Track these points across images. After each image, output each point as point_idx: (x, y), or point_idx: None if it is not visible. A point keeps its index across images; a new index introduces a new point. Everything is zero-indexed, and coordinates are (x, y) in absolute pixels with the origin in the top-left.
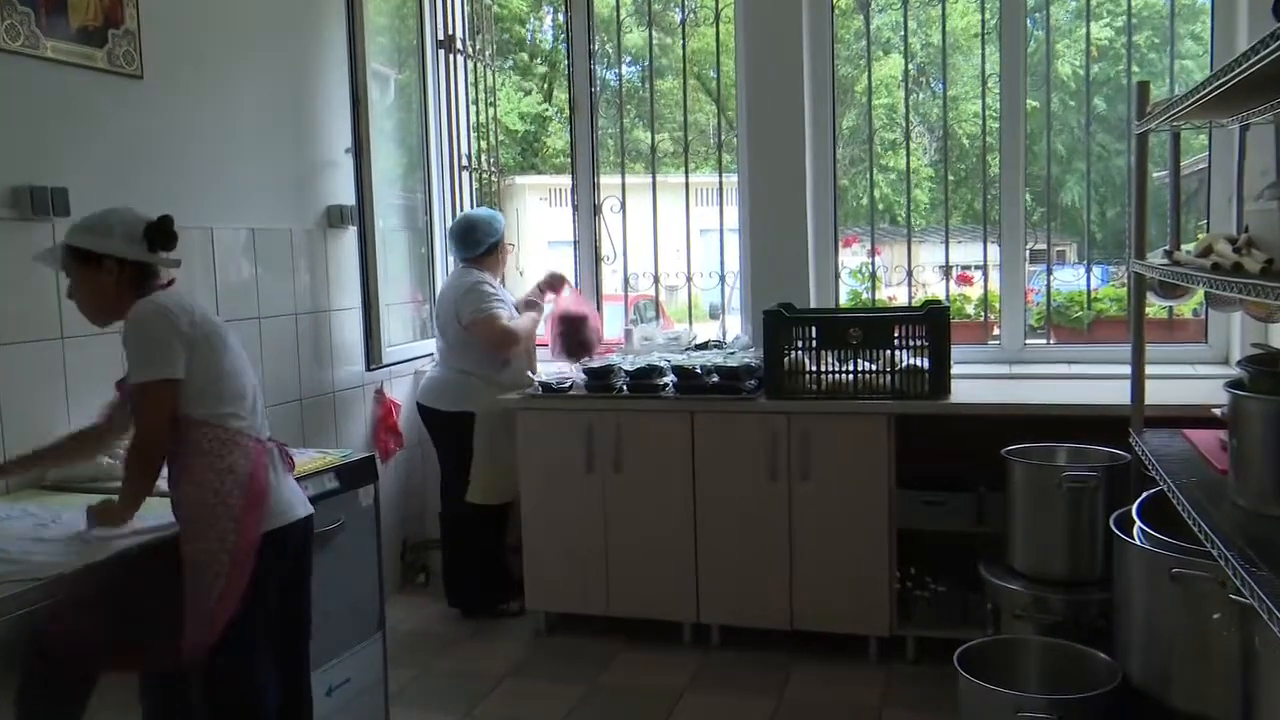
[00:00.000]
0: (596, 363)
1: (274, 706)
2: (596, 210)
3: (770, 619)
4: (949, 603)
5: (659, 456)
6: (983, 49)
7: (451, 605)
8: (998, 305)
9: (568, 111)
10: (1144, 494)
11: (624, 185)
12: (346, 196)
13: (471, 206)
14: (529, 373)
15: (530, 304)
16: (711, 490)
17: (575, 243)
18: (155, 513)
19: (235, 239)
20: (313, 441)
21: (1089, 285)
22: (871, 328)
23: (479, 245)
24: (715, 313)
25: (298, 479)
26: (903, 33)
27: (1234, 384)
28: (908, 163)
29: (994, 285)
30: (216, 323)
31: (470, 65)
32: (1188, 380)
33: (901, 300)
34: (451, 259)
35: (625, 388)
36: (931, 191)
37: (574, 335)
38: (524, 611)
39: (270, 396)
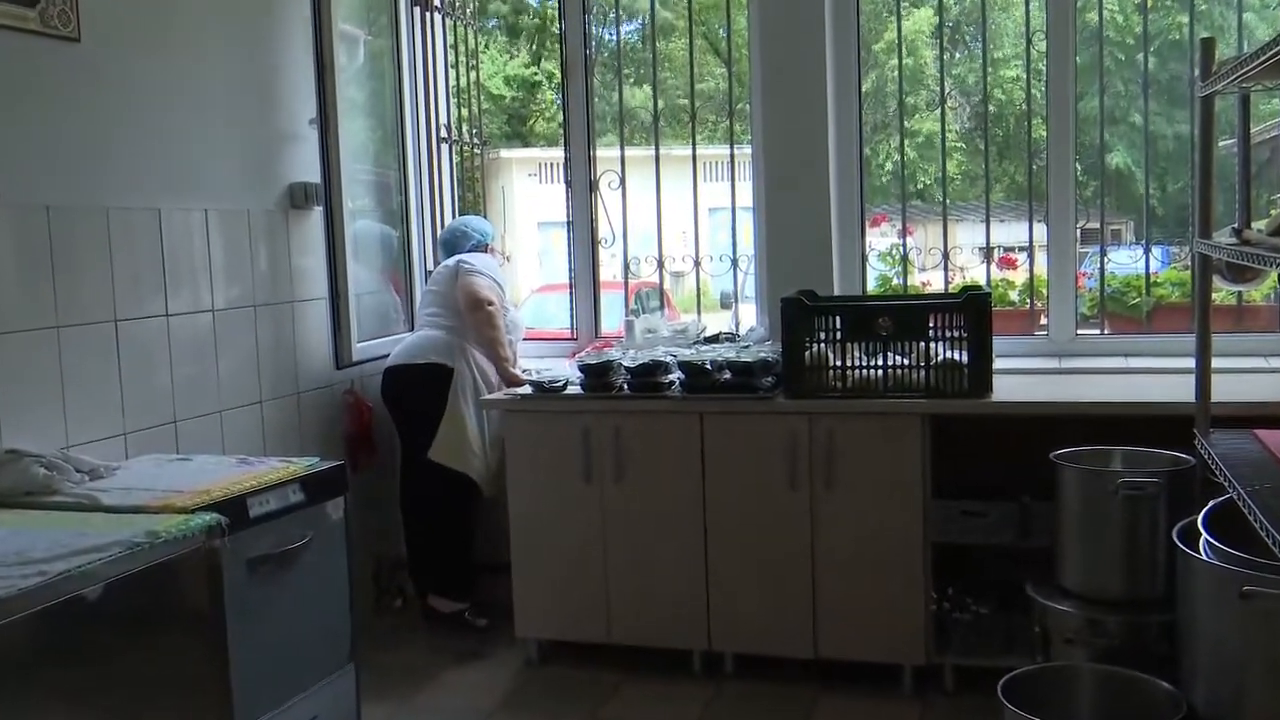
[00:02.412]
0: (594, 359)
1: None
2: (592, 187)
3: (791, 646)
4: (991, 626)
5: (664, 464)
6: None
7: (419, 593)
8: (1045, 291)
9: (559, 76)
10: (1211, 503)
11: (623, 159)
12: (311, 173)
13: (452, 182)
14: (520, 371)
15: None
16: (724, 501)
17: (569, 224)
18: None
19: (186, 222)
20: (275, 449)
21: (1148, 268)
22: (903, 317)
23: (468, 240)
24: (727, 302)
25: (255, 490)
26: None
27: None
28: (943, 130)
29: (1040, 268)
30: None
31: (450, 24)
32: (1260, 375)
33: (937, 286)
34: (439, 255)
35: (626, 387)
36: (966, 163)
37: None
38: (490, 627)
39: (226, 399)
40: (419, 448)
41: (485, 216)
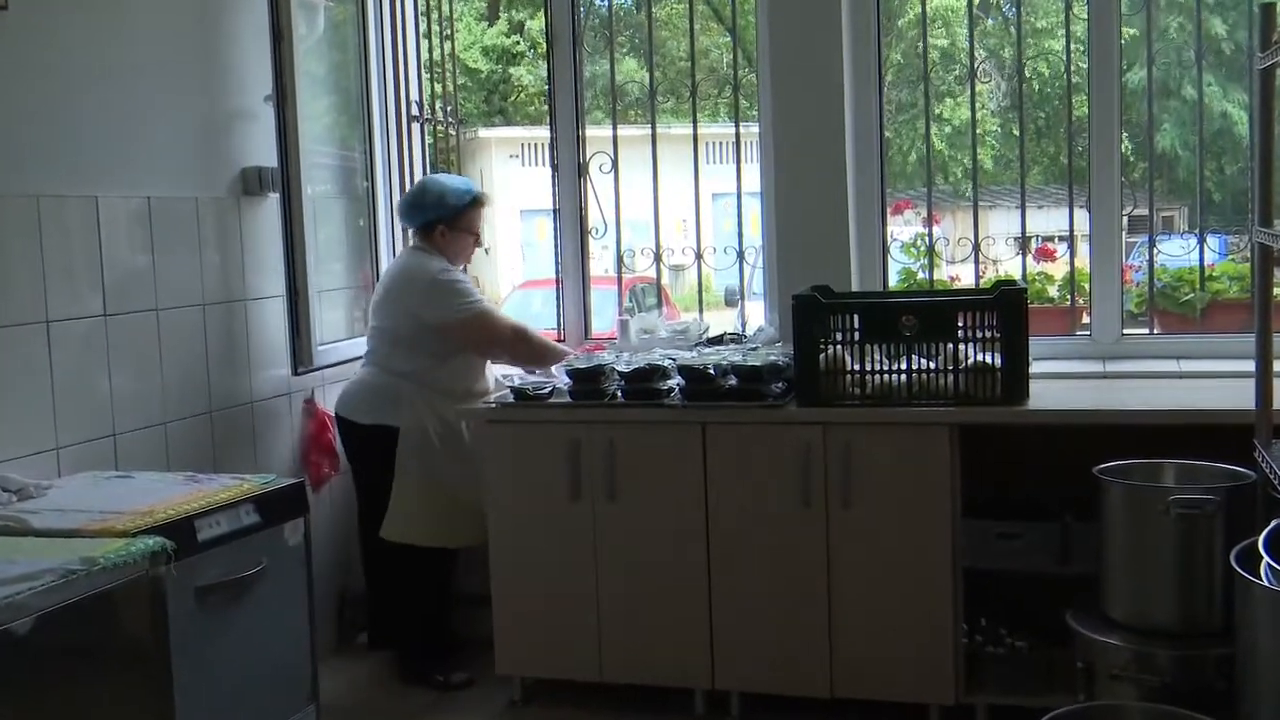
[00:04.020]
0: (584, 363)
1: None
2: (582, 170)
3: (804, 684)
4: (1029, 661)
5: (663, 480)
6: None
7: (373, 648)
8: (1087, 286)
9: (544, 45)
10: (1274, 522)
11: (616, 138)
12: (266, 156)
13: (424, 166)
14: (495, 376)
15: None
16: (729, 522)
17: (555, 211)
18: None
19: (126, 210)
20: (226, 464)
21: (1202, 260)
22: (929, 315)
23: (425, 212)
24: (732, 299)
25: (204, 511)
26: None
27: None
28: (973, 108)
29: (1082, 261)
30: None
31: None
32: None
33: (967, 281)
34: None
35: (620, 394)
36: (998, 146)
37: None
38: (471, 684)
39: (172, 409)
40: (368, 504)
41: None
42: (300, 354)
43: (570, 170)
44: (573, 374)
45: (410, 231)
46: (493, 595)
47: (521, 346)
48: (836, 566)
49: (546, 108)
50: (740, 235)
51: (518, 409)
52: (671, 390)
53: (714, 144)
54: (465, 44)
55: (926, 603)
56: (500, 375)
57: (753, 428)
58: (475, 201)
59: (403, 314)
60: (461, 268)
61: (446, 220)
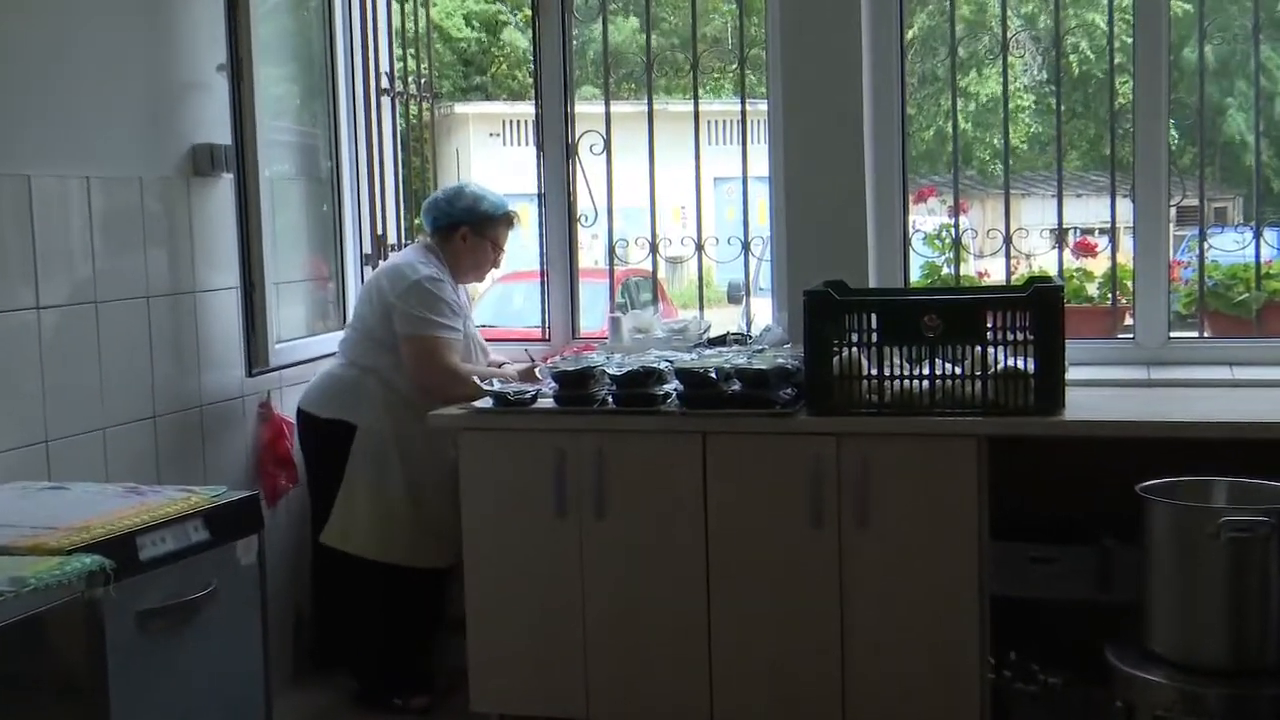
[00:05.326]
0: (570, 365)
1: None
2: (570, 151)
3: None
4: (1064, 700)
5: (658, 496)
6: None
7: (317, 666)
8: (1130, 284)
9: (529, 11)
10: None
11: (608, 116)
12: (219, 133)
13: (395, 144)
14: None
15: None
16: (731, 543)
17: (540, 196)
18: None
19: (61, 191)
20: (172, 475)
21: (1258, 255)
22: (955, 315)
23: (454, 213)
24: (736, 295)
25: (148, 527)
26: None
27: None
28: (1005, 83)
29: (1125, 256)
30: None
31: None
32: None
33: (997, 277)
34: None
35: (610, 400)
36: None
37: None
38: (427, 712)
39: (112, 412)
40: (321, 507)
41: (435, 185)
42: (255, 353)
43: (557, 150)
44: (559, 377)
45: (427, 230)
46: (468, 622)
47: (453, 382)
48: (850, 593)
49: (531, 80)
50: (745, 224)
51: (497, 415)
52: (668, 396)
53: (717, 122)
54: (443, 9)
55: (950, 634)
56: (478, 379)
57: (758, 438)
58: (508, 217)
59: (379, 306)
60: (459, 288)
61: (474, 225)
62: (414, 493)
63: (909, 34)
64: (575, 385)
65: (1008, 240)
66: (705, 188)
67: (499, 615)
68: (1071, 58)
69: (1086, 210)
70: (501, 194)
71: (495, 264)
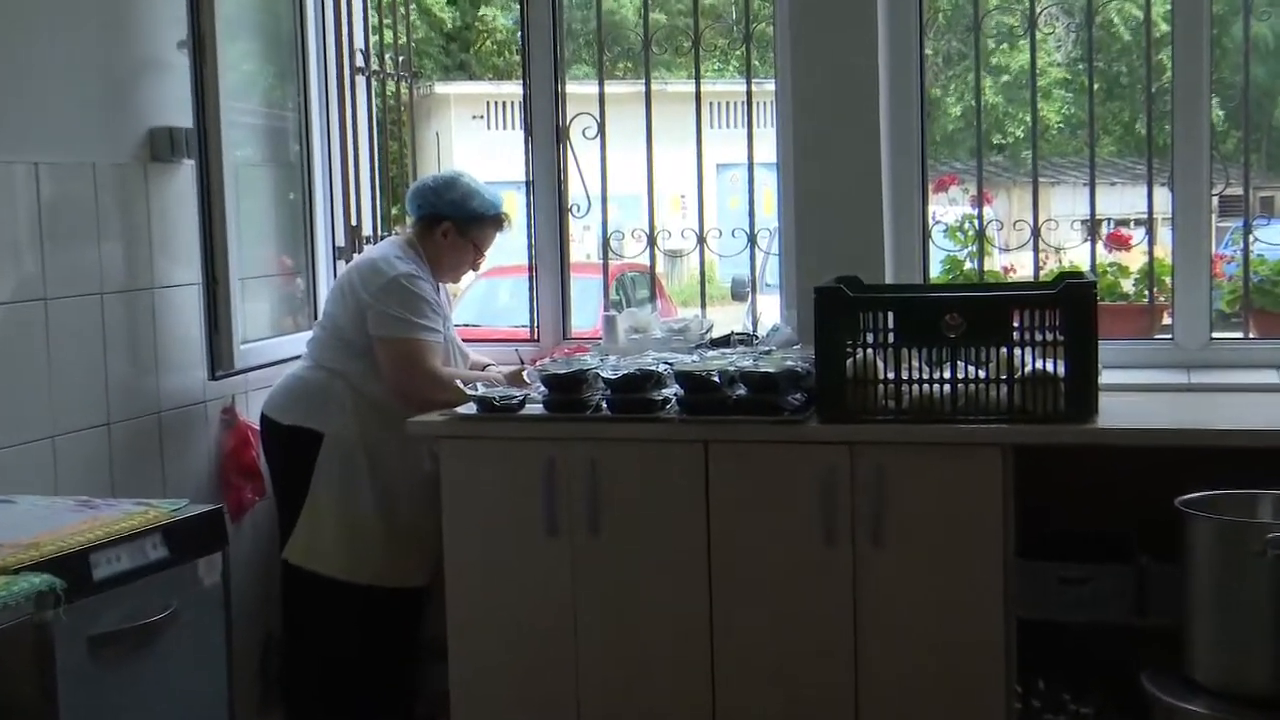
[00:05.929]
0: (561, 368)
1: None
2: (561, 135)
3: None
4: None
5: (656, 510)
6: None
7: (284, 691)
8: (1169, 280)
9: None
10: None
11: (602, 97)
12: (180, 115)
13: (370, 127)
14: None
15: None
16: (735, 561)
17: (528, 184)
18: None
19: (6, 178)
20: (129, 487)
21: None
22: (979, 314)
23: (440, 204)
24: (741, 291)
25: (101, 544)
26: None
27: None
28: (1033, 59)
29: (1163, 250)
30: None
31: None
32: None
33: (1024, 272)
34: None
35: (605, 405)
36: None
37: None
38: None
39: (61, 419)
40: (288, 521)
41: (413, 171)
42: (218, 354)
43: (547, 135)
44: (548, 380)
45: (407, 220)
46: (449, 645)
47: (434, 386)
48: (865, 615)
49: (518, 58)
50: (751, 215)
51: (481, 422)
52: (667, 401)
53: (721, 104)
54: None
55: (974, 661)
56: (462, 383)
57: (765, 447)
58: (498, 219)
59: (353, 304)
60: (440, 286)
61: (458, 222)
62: (385, 506)
63: (939, 10)
64: (566, 389)
65: (1036, 232)
66: (707, 175)
67: (483, 638)
68: (1113, 29)
69: (1121, 200)
70: (497, 192)
71: (474, 267)
